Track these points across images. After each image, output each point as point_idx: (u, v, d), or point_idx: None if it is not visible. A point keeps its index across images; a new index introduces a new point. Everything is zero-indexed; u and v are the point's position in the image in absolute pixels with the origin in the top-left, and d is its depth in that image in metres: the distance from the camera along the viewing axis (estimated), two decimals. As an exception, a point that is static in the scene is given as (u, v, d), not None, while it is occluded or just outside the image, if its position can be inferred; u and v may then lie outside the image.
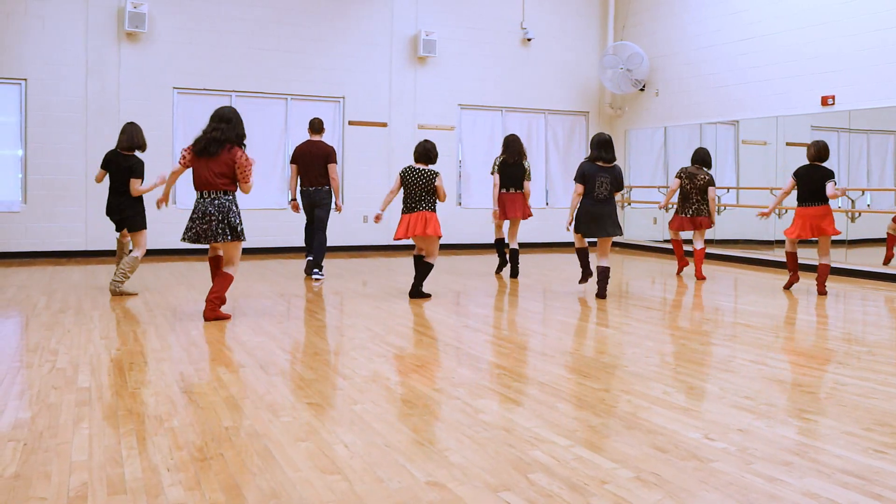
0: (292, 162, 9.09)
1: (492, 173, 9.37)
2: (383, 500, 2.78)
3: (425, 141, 7.84)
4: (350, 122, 12.48)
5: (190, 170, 6.42)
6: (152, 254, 11.26)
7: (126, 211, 7.52)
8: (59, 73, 10.80)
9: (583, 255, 8.23)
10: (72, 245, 10.96)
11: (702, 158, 9.59)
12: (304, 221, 9.36)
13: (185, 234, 6.33)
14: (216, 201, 6.24)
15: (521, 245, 10.30)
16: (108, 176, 7.71)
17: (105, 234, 11.05)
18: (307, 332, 6.19)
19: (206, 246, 6.83)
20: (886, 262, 9.82)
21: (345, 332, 6.11)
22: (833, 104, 10.31)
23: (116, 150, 7.62)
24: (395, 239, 7.84)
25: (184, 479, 2.94)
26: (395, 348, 5.45)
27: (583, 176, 7.81)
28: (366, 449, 3.31)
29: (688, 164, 9.78)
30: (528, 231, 12.22)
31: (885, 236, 9.91)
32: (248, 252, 11.47)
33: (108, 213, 7.68)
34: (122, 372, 4.59)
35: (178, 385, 4.32)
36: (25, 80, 10.67)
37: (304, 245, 9.72)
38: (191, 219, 6.32)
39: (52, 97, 10.77)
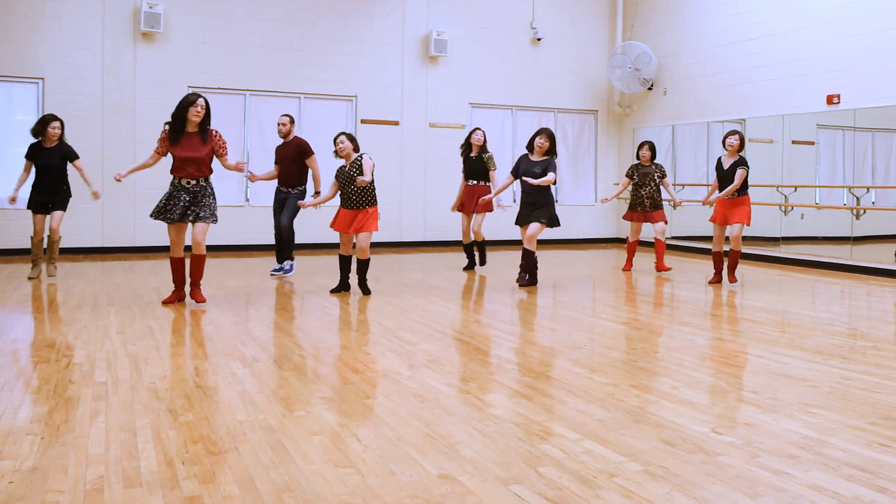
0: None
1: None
2: (395, 493, 2.83)
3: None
4: (362, 121, 12.54)
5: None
6: (165, 250, 11.34)
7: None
8: (75, 72, 10.90)
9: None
10: (88, 242, 11.07)
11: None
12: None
13: None
14: None
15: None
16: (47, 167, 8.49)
17: (121, 231, 11.18)
18: (320, 327, 6.24)
19: (208, 243, 7.26)
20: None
21: (357, 328, 6.18)
22: (839, 103, 10.30)
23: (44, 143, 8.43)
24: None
25: (199, 472, 2.99)
26: (407, 343, 5.50)
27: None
28: (378, 443, 3.36)
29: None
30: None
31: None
32: (260, 249, 11.55)
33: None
34: (138, 366, 4.66)
35: (193, 380, 4.39)
36: (43, 79, 10.78)
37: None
38: None
39: (69, 96, 10.87)
